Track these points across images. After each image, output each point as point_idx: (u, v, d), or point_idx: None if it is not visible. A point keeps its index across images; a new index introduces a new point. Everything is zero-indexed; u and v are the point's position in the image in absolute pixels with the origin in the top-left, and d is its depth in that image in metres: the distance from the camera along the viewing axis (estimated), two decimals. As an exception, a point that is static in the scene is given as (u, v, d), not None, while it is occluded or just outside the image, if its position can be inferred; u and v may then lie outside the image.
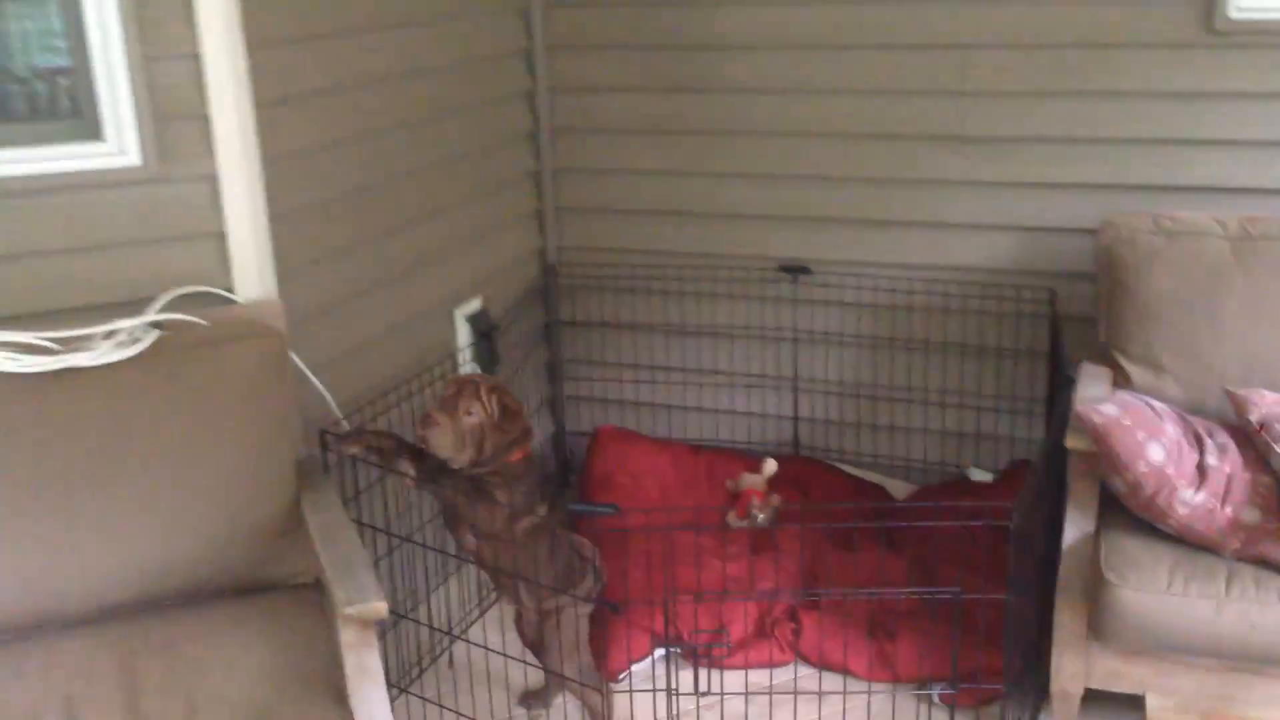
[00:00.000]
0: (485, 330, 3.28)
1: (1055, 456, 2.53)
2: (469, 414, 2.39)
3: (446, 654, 2.90)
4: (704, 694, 2.63)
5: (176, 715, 1.94)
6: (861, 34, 3.29)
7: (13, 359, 2.14)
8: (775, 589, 2.99)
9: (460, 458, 2.40)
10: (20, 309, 2.32)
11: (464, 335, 3.30)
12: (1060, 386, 2.99)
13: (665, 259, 3.66)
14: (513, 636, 2.74)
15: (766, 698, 2.68)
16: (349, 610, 1.93)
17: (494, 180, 3.48)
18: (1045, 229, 3.25)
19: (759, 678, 2.79)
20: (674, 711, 2.40)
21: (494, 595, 3.13)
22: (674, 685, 2.34)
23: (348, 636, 1.96)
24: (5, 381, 2.13)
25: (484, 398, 2.42)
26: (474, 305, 3.36)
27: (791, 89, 3.40)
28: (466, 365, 3.26)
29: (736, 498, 3.42)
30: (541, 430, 3.80)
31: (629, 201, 3.66)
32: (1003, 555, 2.93)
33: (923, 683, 2.78)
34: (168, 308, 2.35)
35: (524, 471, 2.46)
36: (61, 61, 2.35)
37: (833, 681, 2.81)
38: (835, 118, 3.37)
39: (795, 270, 3.51)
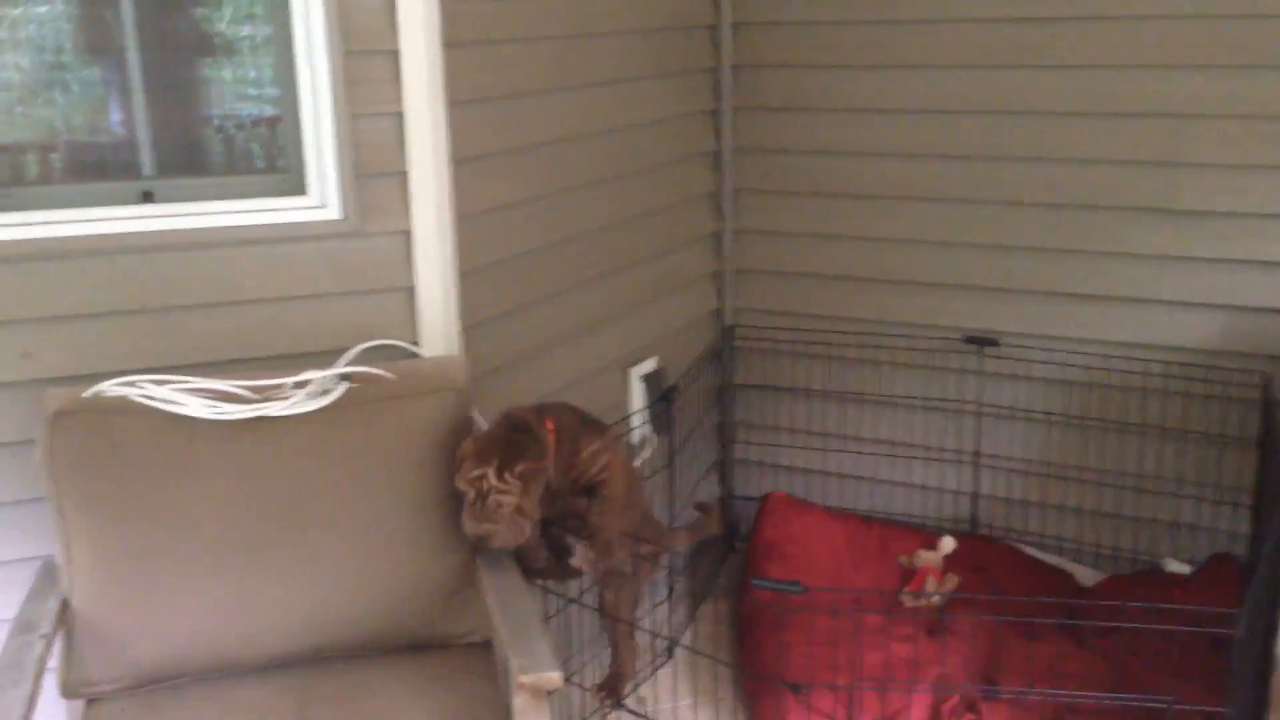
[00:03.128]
0: (663, 393, 3.24)
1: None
2: (500, 506, 2.13)
3: (624, 713, 2.84)
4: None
5: (348, 773, 1.93)
6: (1066, 100, 3.16)
7: (211, 406, 2.18)
8: (960, 682, 2.83)
9: (527, 531, 2.18)
10: (217, 356, 2.38)
11: (638, 395, 3.27)
12: (1272, 478, 2.79)
13: (844, 324, 3.57)
14: (667, 702, 2.66)
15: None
16: (524, 679, 1.89)
17: (675, 239, 3.45)
18: (1259, 309, 3.05)
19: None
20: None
21: (656, 661, 3.07)
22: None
23: (520, 704, 1.92)
24: (202, 428, 2.18)
25: (496, 483, 2.13)
26: (650, 365, 3.33)
27: (987, 155, 3.29)
28: (642, 427, 3.22)
29: (910, 575, 3.28)
30: (709, 493, 3.74)
31: (809, 265, 3.59)
32: (1203, 657, 2.73)
33: (1112, 790, 2.59)
34: (356, 360, 2.38)
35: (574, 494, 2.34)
36: (270, 111, 2.42)
37: (1012, 780, 2.65)
38: (1033, 185, 3.25)
39: (982, 341, 3.38)
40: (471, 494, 2.13)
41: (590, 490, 2.34)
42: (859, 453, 3.64)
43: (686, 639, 3.24)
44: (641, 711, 2.67)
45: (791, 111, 3.51)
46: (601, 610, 2.56)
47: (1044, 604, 3.07)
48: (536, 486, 2.16)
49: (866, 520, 3.56)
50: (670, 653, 3.17)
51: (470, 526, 2.15)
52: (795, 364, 3.66)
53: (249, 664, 2.18)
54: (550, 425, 2.25)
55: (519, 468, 2.12)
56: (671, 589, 3.32)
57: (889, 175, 3.42)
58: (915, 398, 3.53)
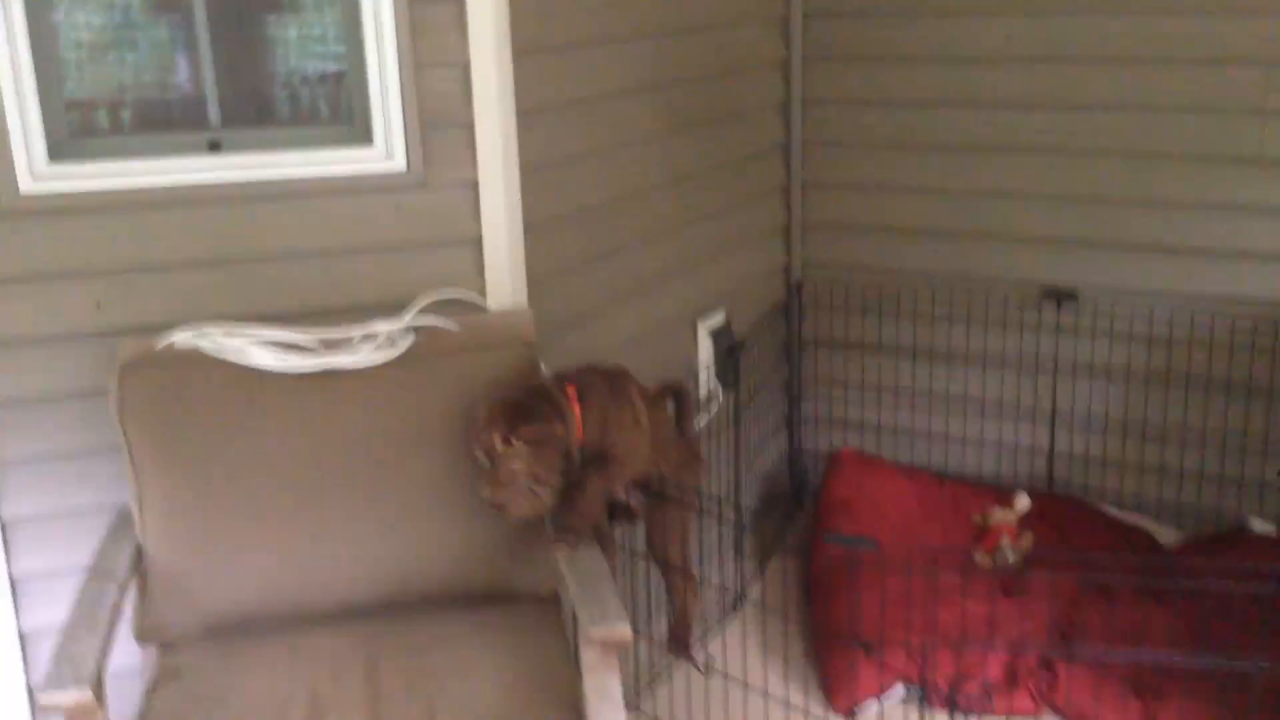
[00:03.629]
0: (729, 346, 3.20)
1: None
2: (514, 474, 2.05)
3: (690, 664, 2.83)
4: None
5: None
6: (1149, 46, 3.05)
7: (279, 358, 2.18)
8: (1038, 641, 2.78)
9: (546, 499, 2.09)
10: (284, 308, 2.38)
11: (706, 349, 3.23)
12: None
13: (916, 279, 3.50)
14: (736, 658, 2.64)
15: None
16: (593, 633, 1.88)
17: (743, 193, 3.40)
18: (1355, 262, 2.94)
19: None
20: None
21: (723, 616, 3.05)
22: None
23: (589, 658, 1.91)
24: (270, 379, 2.18)
25: (503, 448, 2.04)
26: (717, 320, 3.29)
27: (1066, 104, 3.19)
28: (709, 382, 3.19)
29: (984, 534, 3.22)
30: (776, 449, 3.70)
31: (879, 218, 3.52)
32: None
33: (1192, 752, 2.53)
34: (423, 312, 2.37)
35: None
36: (334, 67, 2.41)
37: (1086, 741, 2.60)
38: (1115, 135, 3.14)
39: (1061, 296, 3.29)
40: (485, 461, 2.05)
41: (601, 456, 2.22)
42: (930, 410, 3.57)
43: (754, 595, 3.22)
44: (710, 666, 2.65)
45: (862, 61, 3.43)
46: (653, 556, 2.51)
47: (1124, 563, 3.00)
48: (549, 453, 2.05)
49: (938, 478, 3.50)
50: (737, 608, 3.15)
51: (484, 493, 2.07)
52: (865, 319, 3.60)
53: (320, 613, 2.19)
54: (571, 391, 2.14)
55: (526, 432, 2.02)
56: (739, 544, 3.30)
57: (963, 125, 3.33)
58: (990, 353, 3.46)
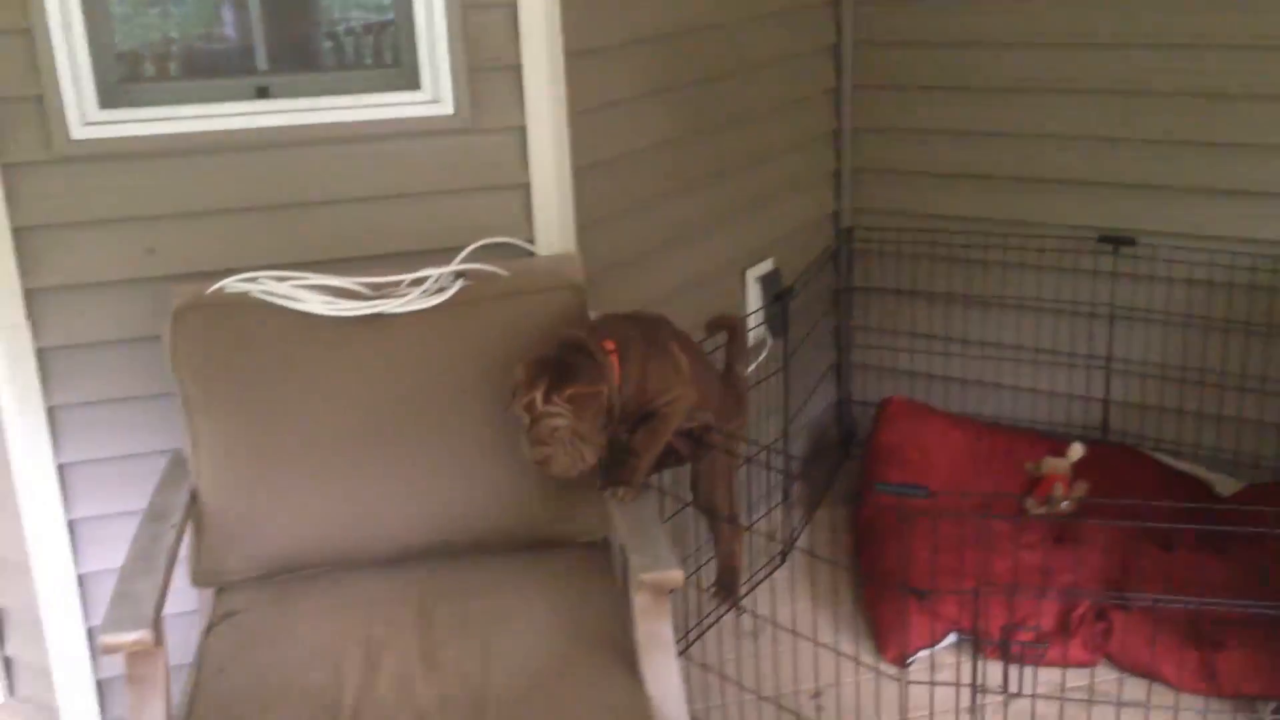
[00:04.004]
0: (778, 293, 3.16)
1: None
2: (556, 430, 2.01)
3: (734, 615, 2.83)
4: (1013, 695, 2.46)
5: (472, 664, 1.94)
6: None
7: (329, 303, 2.18)
8: (1093, 590, 2.75)
9: (589, 457, 2.05)
10: (333, 253, 2.38)
11: (754, 297, 3.20)
12: None
13: (967, 225, 3.44)
14: (784, 606, 2.64)
15: (1073, 699, 2.48)
16: (645, 577, 1.87)
17: (792, 138, 3.35)
18: None
19: (1051, 676, 2.57)
20: (977, 704, 2.26)
21: (771, 564, 3.05)
22: (979, 680, 2.19)
23: (642, 602, 1.90)
24: (321, 325, 2.18)
25: (545, 407, 2.00)
26: (766, 267, 3.26)
27: (1121, 42, 3.11)
28: (757, 329, 3.16)
29: (1036, 483, 3.19)
30: (824, 398, 3.67)
31: (931, 163, 3.46)
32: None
33: (1249, 700, 2.50)
34: (471, 257, 2.36)
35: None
36: (381, 10, 2.38)
37: (1136, 688, 2.58)
38: (1174, 74, 3.06)
39: (1117, 241, 3.22)
40: (526, 419, 2.02)
41: (648, 416, 2.20)
42: (982, 357, 3.53)
43: (803, 544, 3.21)
44: (759, 613, 2.65)
45: (913, 1, 3.36)
46: (699, 502, 2.49)
47: (1179, 511, 2.96)
48: (592, 411, 2.02)
49: (989, 426, 3.46)
50: (785, 557, 3.14)
51: (526, 451, 2.04)
52: (915, 266, 3.55)
53: (372, 557, 2.20)
54: (610, 346, 2.11)
55: (569, 390, 1.99)
56: (787, 493, 3.28)
57: (1016, 66, 3.26)
58: (1044, 300, 3.40)
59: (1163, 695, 2.56)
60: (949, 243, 3.46)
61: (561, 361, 2.04)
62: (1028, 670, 2.55)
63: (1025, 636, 2.55)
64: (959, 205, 3.44)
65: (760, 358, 3.18)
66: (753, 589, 2.93)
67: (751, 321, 3.13)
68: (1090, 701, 2.51)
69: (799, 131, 3.39)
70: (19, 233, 2.24)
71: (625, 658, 1.96)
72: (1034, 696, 2.47)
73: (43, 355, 2.32)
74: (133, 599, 1.82)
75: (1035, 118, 3.27)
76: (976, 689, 2.19)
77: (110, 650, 1.75)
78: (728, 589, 2.53)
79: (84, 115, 2.21)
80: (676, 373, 2.20)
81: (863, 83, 3.49)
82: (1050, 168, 3.29)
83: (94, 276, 2.30)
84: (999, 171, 3.36)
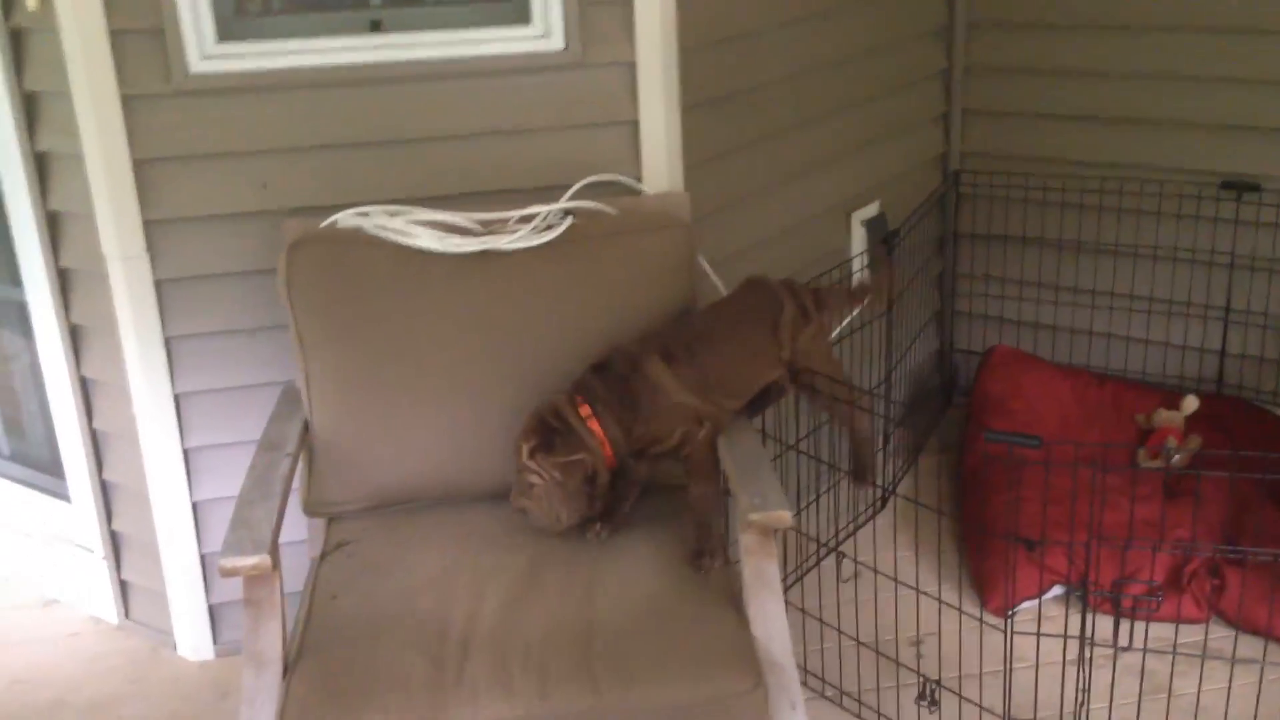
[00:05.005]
0: (883, 237, 3.11)
1: None
2: (531, 486, 2.06)
3: (835, 565, 2.82)
4: (1123, 648, 2.41)
5: (578, 596, 1.95)
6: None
7: (440, 238, 2.19)
8: (1206, 545, 2.68)
9: (564, 519, 2.07)
10: (443, 189, 2.39)
11: (859, 240, 3.15)
12: None
13: (1081, 169, 3.33)
14: (885, 554, 2.60)
15: (1186, 656, 2.43)
16: (753, 517, 1.86)
17: (901, 78, 3.27)
18: None
19: (1162, 631, 2.52)
20: (1086, 658, 2.22)
21: (868, 511, 3.02)
22: (1088, 633, 2.15)
23: (749, 542, 1.90)
24: (431, 260, 2.19)
25: (526, 462, 2.05)
26: (871, 210, 3.20)
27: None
28: (859, 272, 3.11)
29: (1148, 435, 3.10)
30: (927, 346, 3.61)
31: (1044, 104, 3.35)
32: None
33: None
34: (579, 195, 2.35)
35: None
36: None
37: (1249, 646, 2.51)
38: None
39: (1240, 187, 3.10)
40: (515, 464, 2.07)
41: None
42: (1092, 306, 3.43)
43: (903, 490, 3.17)
44: (859, 559, 2.63)
45: (1033, -64, 3.25)
46: (813, 404, 2.37)
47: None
48: (575, 478, 2.05)
49: (1098, 377, 3.37)
50: (885, 503, 3.11)
51: (512, 497, 2.10)
52: (1025, 212, 3.46)
53: (479, 491, 2.22)
54: (585, 411, 2.06)
55: (553, 458, 2.03)
56: (888, 439, 3.24)
57: (1135, 1, 3.13)
58: (1160, 248, 3.29)
59: (1277, 653, 2.49)
60: (1061, 187, 3.36)
61: (548, 428, 2.05)
62: (1138, 625, 2.49)
63: (1137, 590, 2.50)
64: (1072, 149, 3.33)
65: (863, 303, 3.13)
66: (852, 534, 2.91)
67: (855, 265, 3.08)
68: (1203, 658, 2.45)
69: (908, 72, 3.30)
70: (139, 165, 2.28)
71: (730, 597, 1.96)
72: (1144, 650, 2.41)
73: (161, 287, 2.37)
74: (250, 524, 1.86)
75: (1156, 57, 3.15)
76: (1085, 641, 2.14)
77: (229, 574, 1.79)
78: (863, 467, 2.43)
79: (202, 49, 2.24)
80: (660, 396, 2.10)
81: (975, 20, 3.38)
82: (1171, 109, 3.17)
83: (209, 209, 2.34)
84: (1116, 113, 3.25)
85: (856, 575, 2.75)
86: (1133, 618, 2.51)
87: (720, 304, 2.28)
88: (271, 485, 1.97)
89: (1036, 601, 2.61)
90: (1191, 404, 3.10)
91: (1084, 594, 2.46)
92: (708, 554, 2.04)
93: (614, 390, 2.08)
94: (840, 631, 2.56)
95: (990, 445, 2.97)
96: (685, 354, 2.13)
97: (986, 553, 2.75)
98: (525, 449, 2.04)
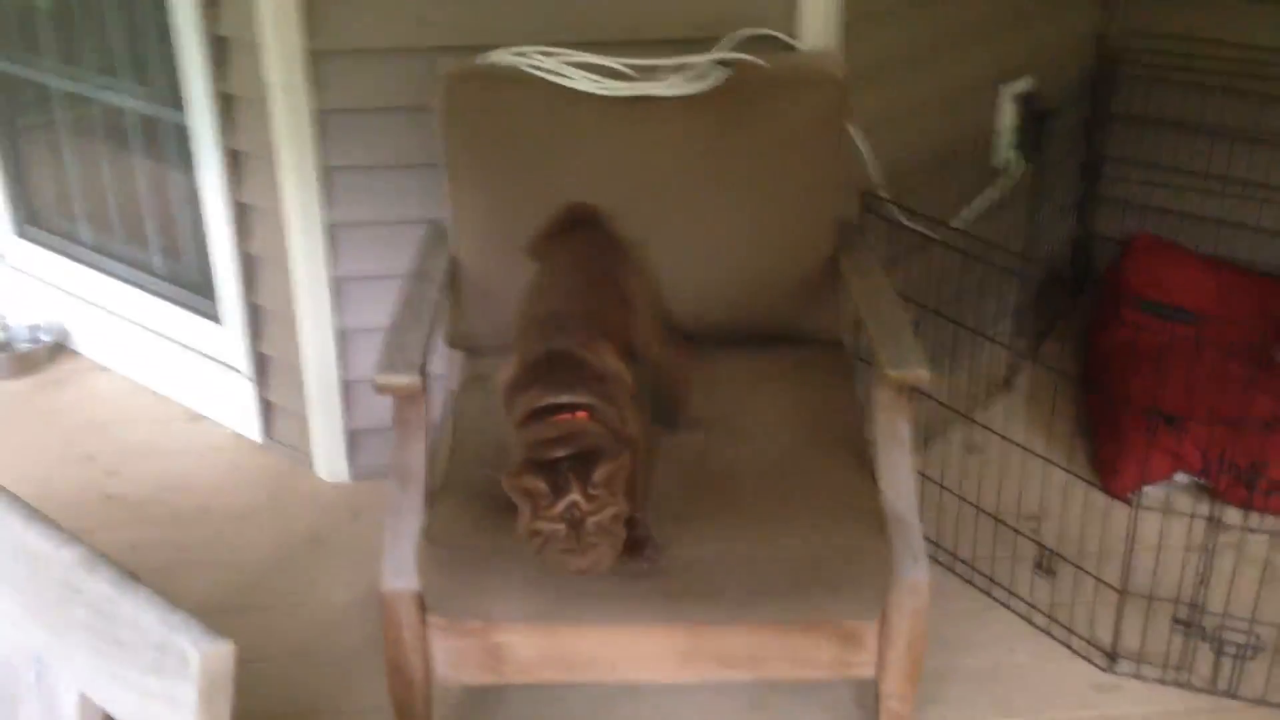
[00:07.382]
0: (1038, 113, 3.02)
1: None
2: (601, 526, 1.62)
3: (961, 435, 2.82)
4: (1251, 530, 2.39)
5: (723, 436, 2.00)
6: None
7: (595, 81, 2.20)
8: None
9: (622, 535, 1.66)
10: (598, 35, 2.37)
11: (1007, 115, 3.07)
12: None
13: (1246, 53, 3.18)
14: (1015, 426, 2.60)
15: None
16: (892, 373, 1.88)
17: (1066, -54, 3.15)
18: None
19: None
20: (1211, 545, 2.20)
21: (1000, 385, 3.00)
22: (1216, 515, 2.14)
23: (884, 398, 1.91)
24: (584, 103, 2.20)
25: (588, 506, 1.60)
26: (1023, 85, 3.11)
27: None
28: (1007, 151, 3.04)
29: (1291, 333, 3.02)
30: (1063, 231, 3.53)
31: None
32: None
33: None
34: (734, 48, 2.33)
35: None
36: None
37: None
38: None
39: None
40: (562, 530, 1.61)
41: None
42: (1243, 196, 3.31)
43: (1028, 373, 3.15)
44: (992, 429, 2.62)
45: None
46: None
47: None
48: (622, 479, 1.64)
49: (1245, 271, 3.27)
50: (1011, 383, 3.09)
51: (573, 564, 1.63)
52: (1185, 96, 3.32)
53: (615, 336, 2.26)
54: (584, 416, 1.69)
55: (599, 474, 1.61)
56: (1021, 313, 3.20)
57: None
58: (1323, 140, 3.16)
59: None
60: (1223, 70, 3.22)
61: (578, 443, 1.65)
62: (1269, 514, 2.47)
63: (1276, 474, 2.46)
64: (1238, 30, 3.18)
65: (1008, 181, 3.07)
66: (981, 406, 2.90)
67: (1004, 138, 3.01)
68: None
69: (1073, -60, 3.18)
70: (308, -8, 2.32)
71: (859, 454, 1.99)
72: (1272, 534, 2.39)
73: (319, 117, 2.42)
74: (404, 347, 1.93)
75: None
76: (1212, 521, 2.13)
77: (383, 391, 1.87)
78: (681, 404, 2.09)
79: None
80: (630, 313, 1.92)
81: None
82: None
83: (367, 43, 2.37)
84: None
85: (982, 446, 2.75)
86: (1263, 506, 2.48)
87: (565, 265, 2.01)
88: (422, 312, 2.04)
89: (1163, 485, 2.60)
90: (1341, 303, 3.00)
91: (1217, 475, 2.44)
92: (650, 545, 1.78)
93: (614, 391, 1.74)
94: (962, 499, 2.57)
95: (1136, 318, 2.93)
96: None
97: (1117, 431, 2.73)
98: (578, 494, 1.59)
